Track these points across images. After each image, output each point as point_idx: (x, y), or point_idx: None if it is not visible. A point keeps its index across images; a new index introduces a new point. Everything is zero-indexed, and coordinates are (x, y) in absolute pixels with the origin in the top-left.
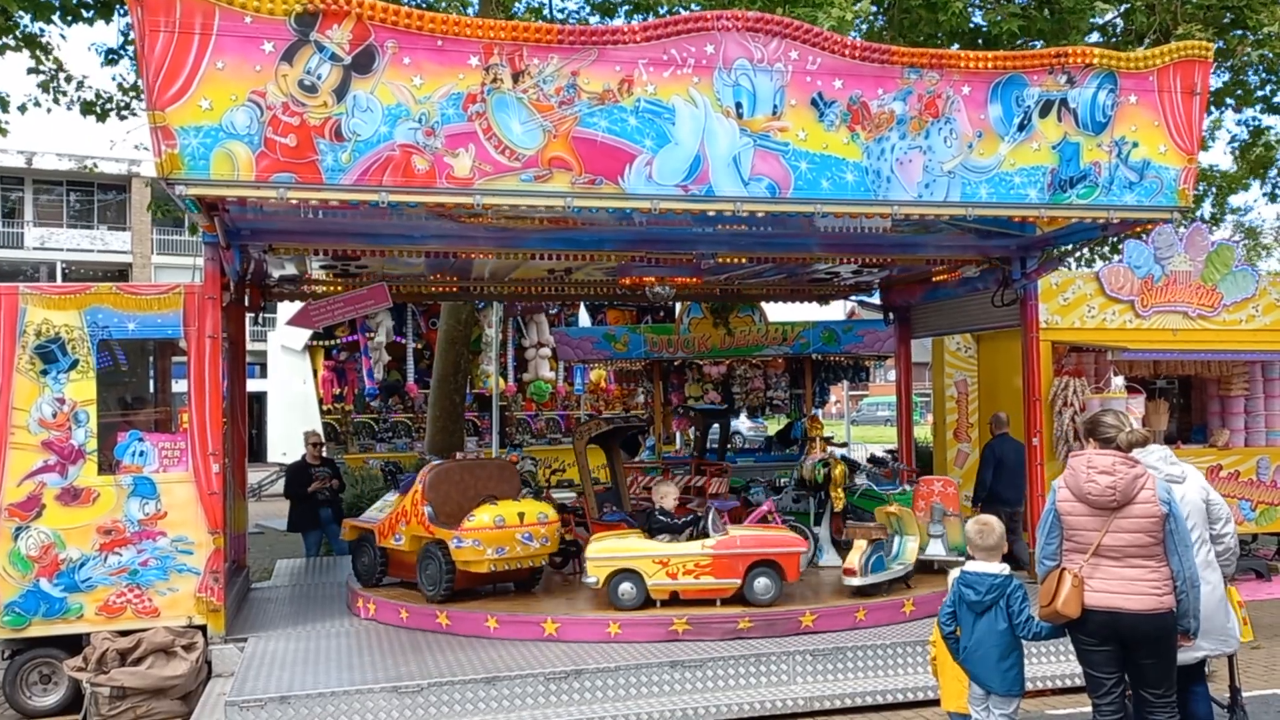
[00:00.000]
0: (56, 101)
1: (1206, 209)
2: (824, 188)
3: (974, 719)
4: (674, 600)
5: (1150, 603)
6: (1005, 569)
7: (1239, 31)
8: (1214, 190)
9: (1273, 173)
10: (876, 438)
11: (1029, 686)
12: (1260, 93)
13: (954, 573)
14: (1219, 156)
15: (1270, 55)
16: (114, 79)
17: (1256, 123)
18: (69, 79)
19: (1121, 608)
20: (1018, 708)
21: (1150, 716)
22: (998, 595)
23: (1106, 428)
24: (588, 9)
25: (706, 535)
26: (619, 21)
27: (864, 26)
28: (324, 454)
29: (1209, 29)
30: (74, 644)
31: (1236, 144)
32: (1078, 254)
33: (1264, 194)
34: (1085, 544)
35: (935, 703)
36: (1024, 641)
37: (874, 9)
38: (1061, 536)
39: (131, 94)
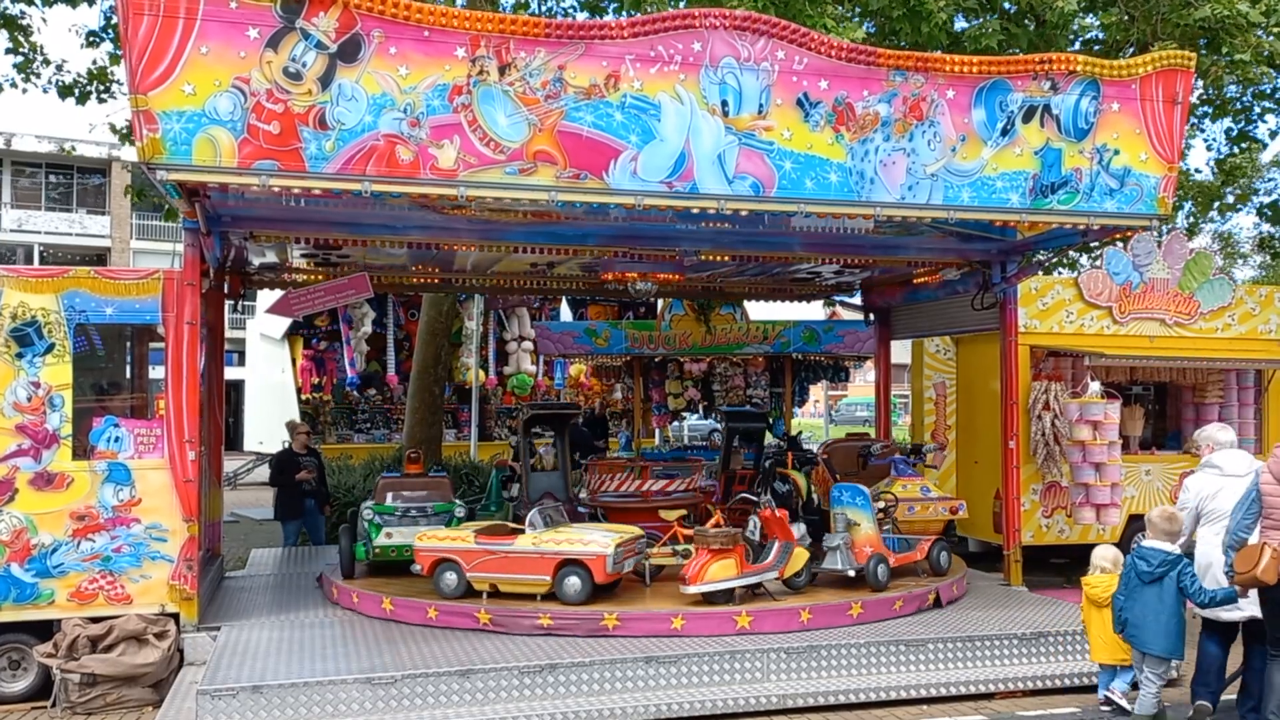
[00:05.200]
0: (28, 81)
1: (1181, 219)
2: (808, 187)
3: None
4: None
5: None
6: (1177, 550)
7: (1217, 56)
8: (1191, 199)
9: (1259, 182)
10: None
11: (1001, 688)
12: (1238, 103)
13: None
14: (1196, 164)
15: (1244, 79)
16: (94, 62)
17: (1240, 126)
18: (46, 62)
19: None
20: (1168, 668)
21: None
22: (1168, 569)
23: None
24: (576, 6)
25: None
26: (608, 18)
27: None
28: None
29: (1184, 49)
30: (44, 630)
31: (1216, 154)
32: (1060, 259)
33: (1254, 207)
34: None
35: (908, 702)
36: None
37: (858, 18)
38: (1258, 515)
39: (111, 81)
